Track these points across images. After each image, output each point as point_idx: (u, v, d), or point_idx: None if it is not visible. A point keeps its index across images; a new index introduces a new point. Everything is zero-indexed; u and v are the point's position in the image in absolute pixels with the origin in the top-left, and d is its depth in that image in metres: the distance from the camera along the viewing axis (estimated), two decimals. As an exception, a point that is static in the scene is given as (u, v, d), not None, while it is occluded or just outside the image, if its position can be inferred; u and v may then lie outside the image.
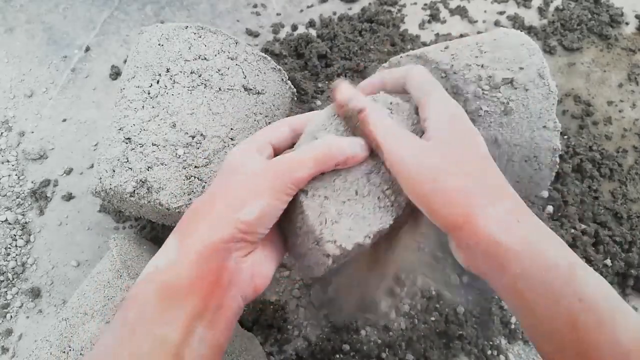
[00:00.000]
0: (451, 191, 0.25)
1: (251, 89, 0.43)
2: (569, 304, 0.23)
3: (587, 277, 0.24)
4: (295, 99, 0.50)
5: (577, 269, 0.24)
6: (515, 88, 0.36)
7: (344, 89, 0.29)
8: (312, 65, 0.61)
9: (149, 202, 0.38)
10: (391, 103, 0.31)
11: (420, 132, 0.30)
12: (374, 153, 0.29)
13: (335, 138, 0.28)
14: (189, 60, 0.41)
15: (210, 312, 0.24)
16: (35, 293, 0.49)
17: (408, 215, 0.31)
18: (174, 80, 0.40)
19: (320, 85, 0.61)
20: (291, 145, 0.31)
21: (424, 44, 0.65)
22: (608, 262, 0.49)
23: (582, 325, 0.22)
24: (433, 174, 0.26)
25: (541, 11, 0.68)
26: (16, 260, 0.51)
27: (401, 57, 0.45)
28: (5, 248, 0.51)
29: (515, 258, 0.24)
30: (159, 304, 0.23)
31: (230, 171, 0.28)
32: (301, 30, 0.66)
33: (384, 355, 0.45)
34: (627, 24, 0.67)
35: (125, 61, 0.64)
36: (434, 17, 0.67)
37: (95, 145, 0.58)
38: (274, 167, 0.27)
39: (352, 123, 0.29)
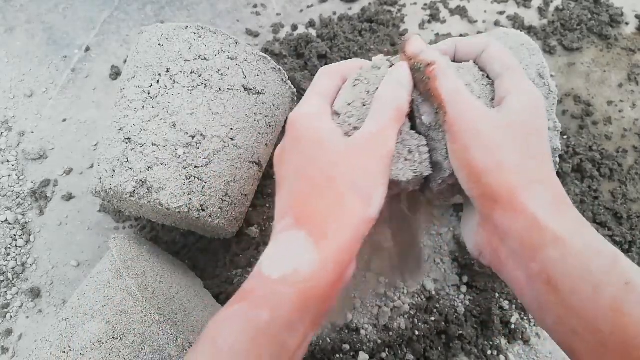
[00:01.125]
0: (506, 164, 0.25)
1: (251, 89, 0.43)
2: (615, 290, 0.21)
3: (632, 265, 0.23)
4: (295, 99, 0.50)
5: (620, 257, 0.23)
6: None
7: (416, 41, 0.29)
8: (312, 65, 0.61)
9: (149, 202, 0.38)
10: (464, 68, 0.31)
11: (488, 102, 0.30)
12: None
13: (397, 94, 0.28)
14: (189, 60, 0.41)
15: (322, 318, 0.24)
16: (35, 293, 0.49)
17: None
18: (174, 80, 0.40)
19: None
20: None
21: (424, 44, 0.65)
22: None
23: (629, 310, 0.21)
24: (492, 144, 0.25)
25: (541, 11, 0.68)
26: (16, 260, 0.51)
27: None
28: (5, 248, 0.51)
29: (555, 241, 0.23)
30: (296, 311, 0.22)
31: (320, 148, 0.26)
32: (301, 30, 0.66)
33: (384, 355, 0.45)
34: (627, 24, 0.67)
35: (125, 61, 0.64)
36: (434, 17, 0.67)
37: (95, 145, 0.58)
38: (370, 144, 0.26)
39: (419, 76, 0.29)
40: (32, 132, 0.59)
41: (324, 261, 0.23)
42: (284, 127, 0.56)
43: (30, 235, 0.53)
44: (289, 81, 0.48)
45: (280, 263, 0.23)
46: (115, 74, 0.63)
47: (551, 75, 0.63)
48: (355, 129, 0.28)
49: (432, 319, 0.46)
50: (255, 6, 0.69)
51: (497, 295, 0.47)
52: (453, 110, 0.26)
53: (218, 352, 0.22)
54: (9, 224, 0.53)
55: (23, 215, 0.54)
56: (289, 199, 0.26)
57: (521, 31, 0.66)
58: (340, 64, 0.31)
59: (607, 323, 0.21)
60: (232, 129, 0.41)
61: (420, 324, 0.46)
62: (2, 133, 0.59)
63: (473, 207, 0.27)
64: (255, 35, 0.66)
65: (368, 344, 0.45)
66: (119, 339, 0.34)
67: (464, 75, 0.30)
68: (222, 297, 0.47)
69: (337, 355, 0.44)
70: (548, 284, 0.23)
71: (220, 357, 0.22)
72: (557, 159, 0.42)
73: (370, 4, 0.68)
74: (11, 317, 0.48)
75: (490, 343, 0.46)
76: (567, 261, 0.23)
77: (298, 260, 0.23)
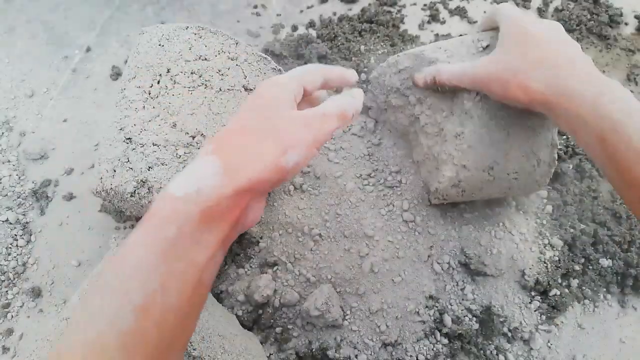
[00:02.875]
0: (517, 79, 0.34)
1: (251, 89, 0.43)
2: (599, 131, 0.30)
3: (613, 102, 0.30)
4: (296, 99, 0.50)
5: (602, 100, 0.30)
6: None
7: (418, 78, 0.42)
8: (312, 65, 0.61)
9: (150, 202, 0.38)
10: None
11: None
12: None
13: (348, 100, 0.32)
14: (189, 61, 0.41)
15: (228, 241, 0.27)
16: (36, 293, 0.49)
17: None
18: (174, 81, 0.41)
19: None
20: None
21: (424, 45, 0.65)
22: (607, 261, 0.49)
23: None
24: (500, 74, 0.35)
25: (540, 12, 0.68)
26: (17, 260, 0.51)
27: (398, 56, 0.45)
28: (6, 248, 0.51)
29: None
30: (199, 226, 0.24)
31: (268, 107, 0.29)
32: (301, 30, 0.67)
33: (384, 354, 0.45)
34: (626, 24, 0.67)
35: (126, 61, 0.64)
36: (434, 17, 0.67)
37: (96, 145, 0.58)
38: (311, 120, 0.29)
39: (437, 89, 0.41)
40: (33, 132, 0.59)
41: (225, 186, 0.25)
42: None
43: (31, 235, 0.53)
44: (289, 81, 0.48)
45: (185, 183, 0.25)
46: (116, 74, 0.63)
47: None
48: None
49: (432, 318, 0.46)
50: (255, 7, 0.70)
51: (497, 295, 0.48)
52: (469, 80, 0.37)
53: (127, 269, 0.23)
54: (10, 223, 0.53)
55: (24, 215, 0.54)
56: (220, 133, 0.28)
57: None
58: (326, 71, 0.34)
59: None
60: (232, 129, 0.42)
61: (420, 323, 0.46)
62: (3, 133, 0.59)
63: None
64: (256, 35, 0.66)
65: (367, 344, 0.45)
66: (120, 338, 0.34)
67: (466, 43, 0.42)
68: (222, 296, 0.47)
69: (337, 355, 0.44)
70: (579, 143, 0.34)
71: (129, 274, 0.23)
72: (556, 155, 0.42)
73: (370, 4, 0.69)
74: (12, 316, 0.48)
75: (490, 343, 0.46)
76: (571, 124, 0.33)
77: (203, 181, 0.25)
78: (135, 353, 0.22)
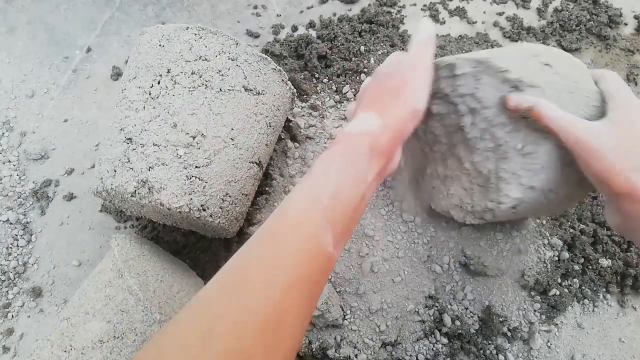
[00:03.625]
0: (620, 167, 0.32)
1: (251, 90, 0.43)
2: None
3: None
4: (295, 99, 0.51)
5: None
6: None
7: (511, 99, 0.37)
8: (312, 65, 0.62)
9: (150, 202, 0.39)
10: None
11: (595, 116, 0.37)
12: None
13: (421, 34, 0.38)
14: (189, 61, 0.41)
15: (381, 176, 0.34)
16: (37, 292, 0.49)
17: None
18: (174, 81, 0.41)
19: (320, 85, 0.61)
20: None
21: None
22: (607, 261, 0.49)
23: None
24: (604, 154, 0.33)
25: (540, 12, 0.68)
26: (18, 260, 0.51)
27: (457, 58, 0.41)
28: (7, 248, 0.51)
29: None
30: (370, 155, 0.32)
31: (409, 68, 0.37)
32: (301, 31, 0.67)
33: (384, 354, 0.45)
34: (625, 24, 0.67)
35: (126, 62, 0.64)
36: (434, 17, 0.68)
37: (97, 145, 0.58)
38: (418, 64, 0.37)
39: (530, 120, 0.36)
40: (34, 133, 0.59)
41: (384, 126, 0.33)
42: (284, 127, 0.57)
43: (31, 235, 0.53)
44: (289, 82, 0.48)
45: (358, 127, 0.34)
46: (116, 74, 0.64)
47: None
48: None
49: (432, 318, 0.46)
50: (255, 7, 0.70)
51: (497, 295, 0.48)
52: (567, 134, 0.34)
53: (328, 175, 0.31)
54: (11, 223, 0.53)
55: (24, 215, 0.54)
56: (368, 97, 0.36)
57: (520, 32, 0.66)
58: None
59: None
60: (232, 129, 0.42)
61: (420, 323, 0.46)
62: (3, 133, 0.59)
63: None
64: (256, 36, 0.67)
65: (368, 344, 0.45)
66: (120, 338, 0.34)
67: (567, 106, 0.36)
68: (222, 296, 0.47)
69: (337, 355, 0.44)
70: None
71: (328, 178, 0.31)
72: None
73: (369, 5, 0.69)
74: (12, 316, 0.49)
75: (490, 343, 0.46)
76: None
77: (369, 123, 0.34)
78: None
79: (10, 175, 0.56)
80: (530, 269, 0.48)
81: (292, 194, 0.31)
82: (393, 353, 0.45)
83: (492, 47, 0.65)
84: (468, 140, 0.41)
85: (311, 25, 0.67)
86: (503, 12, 0.68)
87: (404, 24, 0.67)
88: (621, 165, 0.32)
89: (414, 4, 0.69)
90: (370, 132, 0.33)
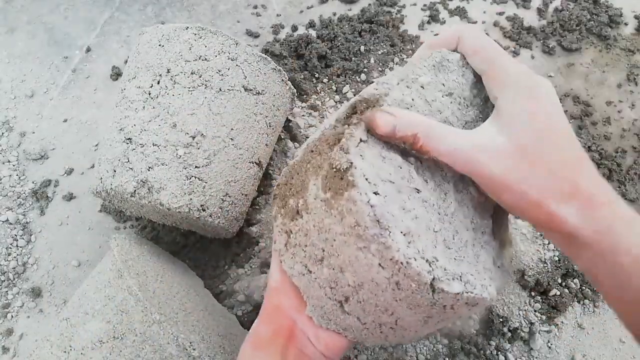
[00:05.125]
0: (525, 195, 0.24)
1: (251, 90, 0.43)
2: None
3: None
4: (295, 99, 0.51)
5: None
6: None
7: (381, 118, 0.25)
8: (312, 65, 0.62)
9: (150, 202, 0.38)
10: (447, 66, 0.27)
11: (484, 106, 0.27)
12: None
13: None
14: (189, 61, 0.41)
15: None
16: (36, 293, 0.49)
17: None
18: (174, 81, 0.41)
19: (320, 85, 0.61)
20: None
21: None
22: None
23: None
24: (504, 182, 0.24)
25: (540, 12, 0.68)
26: (17, 260, 0.51)
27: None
28: (6, 248, 0.51)
29: (584, 246, 0.24)
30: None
31: None
32: (301, 31, 0.67)
33: (384, 354, 0.45)
34: (626, 24, 0.67)
35: (126, 62, 0.64)
36: (434, 17, 0.68)
37: (96, 145, 0.58)
38: None
39: (409, 147, 0.26)
40: (33, 133, 0.59)
41: None
42: (284, 127, 0.57)
43: (31, 235, 0.53)
44: (289, 82, 0.48)
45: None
46: (116, 74, 0.63)
47: (550, 76, 0.63)
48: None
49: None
50: (255, 7, 0.70)
51: (497, 295, 0.48)
52: (461, 168, 0.25)
53: None
54: (10, 224, 0.53)
55: (24, 215, 0.54)
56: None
57: (520, 32, 0.66)
58: None
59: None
60: (232, 129, 0.42)
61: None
62: (3, 133, 0.59)
63: None
64: (256, 36, 0.66)
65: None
66: (120, 338, 0.34)
67: (451, 88, 0.27)
68: (222, 296, 0.47)
69: (337, 355, 0.44)
70: (595, 281, 0.25)
71: None
72: None
73: (369, 4, 0.69)
74: (12, 316, 0.48)
75: (490, 343, 0.46)
76: (597, 264, 0.24)
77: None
78: None
79: (10, 176, 0.56)
80: (530, 269, 0.48)
81: None
82: (393, 353, 0.45)
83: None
84: None
85: (311, 25, 0.67)
86: (503, 12, 0.68)
87: (404, 23, 0.67)
88: (534, 194, 0.24)
89: (414, 4, 0.69)
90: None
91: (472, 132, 0.25)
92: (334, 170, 0.24)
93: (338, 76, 0.62)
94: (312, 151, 0.28)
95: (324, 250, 0.26)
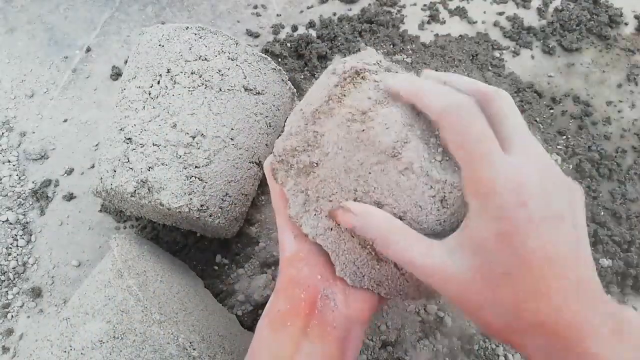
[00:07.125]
0: (492, 324, 0.22)
1: (251, 90, 0.43)
2: None
3: None
4: (296, 99, 0.51)
5: None
6: None
7: (345, 215, 0.24)
8: (312, 65, 0.62)
9: (150, 202, 0.38)
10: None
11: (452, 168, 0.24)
12: None
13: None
14: (189, 61, 0.41)
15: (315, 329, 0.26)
16: (36, 293, 0.49)
17: None
18: (174, 81, 0.41)
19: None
20: None
21: (424, 45, 0.65)
22: (607, 261, 0.49)
23: None
24: (470, 308, 0.22)
25: (540, 12, 0.68)
26: (17, 260, 0.51)
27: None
28: (7, 248, 0.51)
29: None
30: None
31: None
32: (301, 30, 0.67)
33: (384, 354, 0.45)
34: (626, 24, 0.67)
35: (126, 62, 0.64)
36: (434, 17, 0.68)
37: (96, 145, 0.58)
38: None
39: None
40: (33, 133, 0.59)
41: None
42: (284, 127, 0.56)
43: (31, 235, 0.53)
44: (289, 81, 0.48)
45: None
46: (116, 74, 0.63)
47: (550, 76, 0.63)
48: None
49: (432, 318, 0.46)
50: (255, 7, 0.70)
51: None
52: (421, 279, 0.23)
53: None
54: (10, 223, 0.53)
55: (24, 215, 0.54)
56: None
57: (520, 31, 0.66)
58: None
59: None
60: (232, 129, 0.42)
61: (419, 323, 0.46)
62: (3, 133, 0.59)
63: None
64: (256, 35, 0.66)
65: (367, 344, 0.45)
66: (120, 338, 0.34)
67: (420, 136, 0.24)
68: (222, 296, 0.47)
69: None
70: None
71: None
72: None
73: (370, 4, 0.69)
74: (12, 316, 0.48)
75: (491, 343, 0.46)
76: None
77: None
78: None
79: (10, 175, 0.56)
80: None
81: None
82: (393, 353, 0.45)
83: (492, 47, 0.65)
84: None
85: (311, 25, 0.67)
86: (503, 12, 0.68)
87: (404, 23, 0.67)
88: (497, 324, 0.21)
89: (414, 4, 0.69)
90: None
91: (433, 247, 0.23)
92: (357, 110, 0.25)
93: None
94: (327, 101, 0.28)
95: (356, 191, 0.24)
